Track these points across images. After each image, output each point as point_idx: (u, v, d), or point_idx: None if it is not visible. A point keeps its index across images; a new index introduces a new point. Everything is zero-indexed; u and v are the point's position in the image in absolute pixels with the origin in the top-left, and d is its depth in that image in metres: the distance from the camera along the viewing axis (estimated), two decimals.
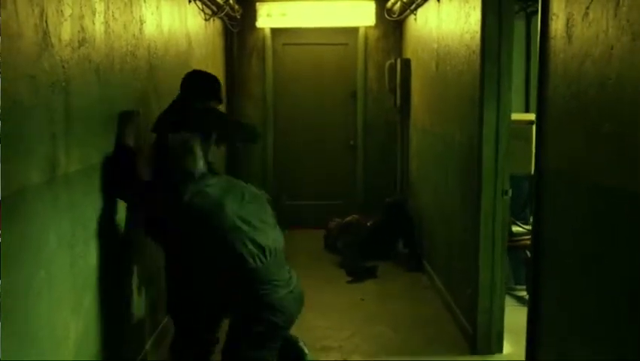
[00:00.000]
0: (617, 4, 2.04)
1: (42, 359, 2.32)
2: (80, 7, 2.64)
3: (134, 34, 3.43)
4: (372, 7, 6.95)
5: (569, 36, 2.43)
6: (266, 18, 6.96)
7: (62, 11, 2.45)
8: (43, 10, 2.28)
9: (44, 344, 2.34)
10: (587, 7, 2.26)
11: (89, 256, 2.81)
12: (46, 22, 2.31)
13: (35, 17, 2.22)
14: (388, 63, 6.81)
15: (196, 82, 3.73)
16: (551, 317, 2.82)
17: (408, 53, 6.59)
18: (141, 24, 3.58)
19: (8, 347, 2.04)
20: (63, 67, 2.48)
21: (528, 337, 3.11)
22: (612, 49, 2.08)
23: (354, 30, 7.18)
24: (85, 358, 2.75)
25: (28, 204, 2.19)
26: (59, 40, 2.43)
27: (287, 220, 7.10)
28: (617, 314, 2.13)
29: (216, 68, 6.26)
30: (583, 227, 2.40)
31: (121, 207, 3.24)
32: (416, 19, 6.01)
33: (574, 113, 2.42)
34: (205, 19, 5.63)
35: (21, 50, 2.13)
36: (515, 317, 3.93)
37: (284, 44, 7.27)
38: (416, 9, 5.88)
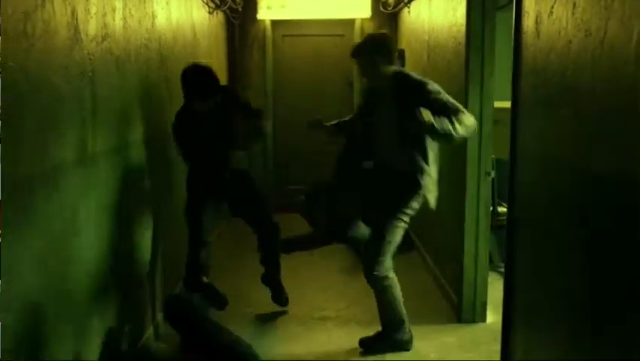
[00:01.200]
0: (574, 5, 2.35)
1: (73, 316, 2.66)
2: (103, 6, 2.96)
3: (147, 29, 3.74)
4: (368, 0, 7.24)
5: (538, 31, 2.75)
6: (267, 10, 7.26)
7: (88, 10, 2.77)
8: (74, 9, 2.59)
9: (76, 303, 2.68)
10: (552, 6, 2.58)
11: (112, 228, 3.14)
12: (76, 19, 2.63)
13: (68, 16, 2.54)
14: None
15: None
16: (522, 286, 3.14)
17: (402, 44, 6.89)
18: (153, 19, 3.89)
19: (47, 305, 2.38)
20: (90, 59, 2.80)
21: (504, 306, 3.42)
22: (570, 43, 2.39)
23: (350, 22, 7.48)
24: (108, 317, 3.09)
25: (64, 178, 2.52)
26: (87, 35, 2.75)
27: (287, 204, 7.51)
28: (573, 283, 2.44)
29: (219, 58, 6.57)
30: (546, 201, 2.72)
31: (142, 185, 3.58)
32: (409, 12, 6.32)
33: (541, 100, 2.74)
34: (209, 12, 5.93)
35: (57, 45, 2.44)
36: (499, 291, 4.25)
37: (283, 35, 7.57)
38: (409, 2, 6.18)
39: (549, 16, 2.62)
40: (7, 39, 2.06)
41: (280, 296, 4.46)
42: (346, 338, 4.03)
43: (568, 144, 2.44)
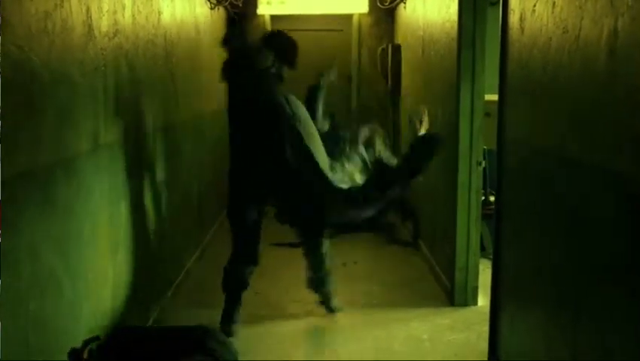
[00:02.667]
0: (554, 4, 2.53)
1: (89, 294, 2.85)
2: (114, 4, 3.14)
3: (154, 25, 3.92)
4: None
5: (522, 28, 2.93)
6: (266, 5, 7.40)
7: (101, 8, 2.95)
8: (88, 8, 2.78)
9: (90, 283, 2.87)
10: (534, 5, 2.76)
11: (122, 214, 3.33)
12: (90, 17, 2.81)
13: (83, 14, 2.73)
14: (380, 48, 7.29)
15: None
16: (509, 270, 3.32)
17: (399, 39, 7.07)
18: (159, 15, 4.07)
19: (65, 283, 2.57)
20: (102, 54, 2.98)
21: (492, 289, 3.60)
22: (550, 40, 2.58)
23: (348, 17, 7.65)
24: (120, 297, 3.28)
25: (80, 166, 2.71)
26: (100, 31, 2.94)
27: None
28: (554, 268, 2.62)
29: (220, 53, 6.72)
30: (530, 188, 2.91)
31: (148, 175, 3.76)
32: (405, 7, 6.49)
33: (524, 92, 2.92)
34: (211, 8, 6.10)
35: (74, 41, 2.63)
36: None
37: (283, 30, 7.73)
38: None
39: (532, 14, 2.80)
40: (31, 36, 2.24)
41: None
42: (344, 318, 4.23)
43: (549, 133, 2.63)
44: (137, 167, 3.57)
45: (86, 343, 2.45)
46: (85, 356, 2.53)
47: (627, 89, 1.94)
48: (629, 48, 1.93)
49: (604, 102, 2.11)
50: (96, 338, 2.51)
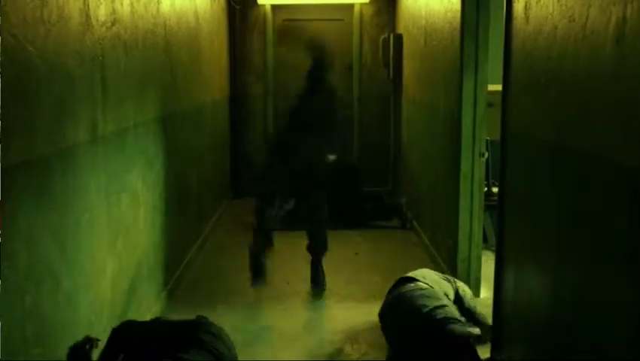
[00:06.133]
0: None
1: (87, 286, 2.82)
2: None
3: (152, 14, 3.87)
4: None
5: (527, 17, 2.89)
6: None
7: None
8: None
9: (88, 274, 2.84)
10: None
11: (121, 205, 3.30)
12: (87, 6, 2.76)
13: (80, 2, 2.68)
14: (381, 38, 7.23)
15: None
16: (511, 260, 3.30)
17: (400, 29, 7.01)
18: (159, 4, 4.01)
19: (63, 274, 2.54)
20: (100, 43, 2.94)
21: (495, 281, 3.57)
22: (556, 28, 2.53)
23: (350, 6, 7.58)
24: (119, 289, 3.25)
25: (78, 157, 2.67)
26: (97, 21, 2.89)
27: None
28: (557, 259, 2.60)
29: (220, 43, 6.68)
30: (533, 178, 2.87)
31: (147, 165, 3.73)
32: None
33: (529, 81, 2.88)
34: None
35: (71, 30, 2.59)
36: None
37: (284, 20, 7.68)
38: None
39: (537, 3, 2.75)
40: (27, 25, 2.20)
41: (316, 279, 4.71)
42: (345, 312, 4.20)
43: (553, 124, 2.59)
44: (136, 158, 3.53)
45: (87, 341, 2.45)
46: (86, 348, 2.53)
47: (634, 79, 1.90)
48: (637, 37, 1.89)
49: (610, 92, 2.06)
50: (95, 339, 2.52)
